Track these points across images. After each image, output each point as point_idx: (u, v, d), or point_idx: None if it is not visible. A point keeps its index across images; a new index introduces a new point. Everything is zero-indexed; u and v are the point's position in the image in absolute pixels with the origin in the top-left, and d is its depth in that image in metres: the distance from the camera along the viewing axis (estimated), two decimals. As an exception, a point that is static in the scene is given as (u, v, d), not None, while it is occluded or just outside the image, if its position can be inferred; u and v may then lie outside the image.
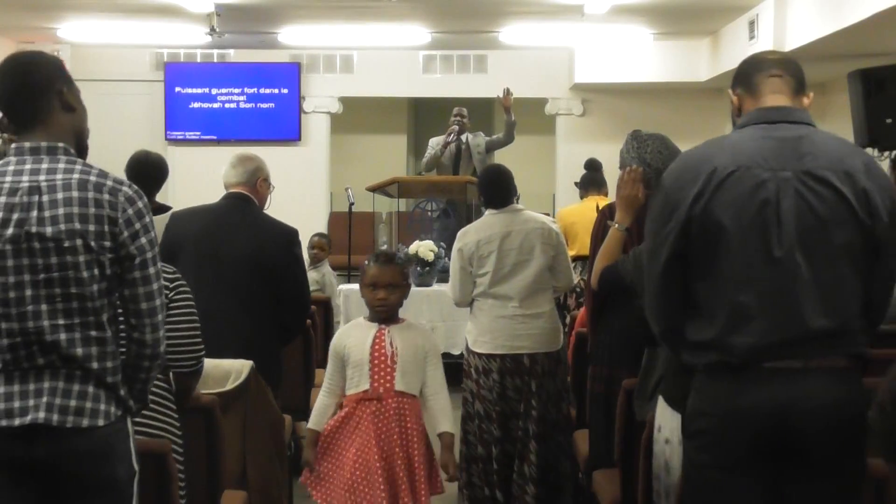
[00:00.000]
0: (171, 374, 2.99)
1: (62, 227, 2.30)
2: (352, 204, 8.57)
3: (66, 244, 2.30)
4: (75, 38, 9.83)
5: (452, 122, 8.53)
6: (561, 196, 10.92)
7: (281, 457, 3.85)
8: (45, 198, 2.31)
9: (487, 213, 4.76)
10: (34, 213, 2.30)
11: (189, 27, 9.26)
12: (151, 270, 2.40)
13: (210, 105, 10.94)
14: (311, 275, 6.71)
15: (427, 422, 3.74)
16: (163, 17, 8.91)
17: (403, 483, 3.57)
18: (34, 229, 2.29)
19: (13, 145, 2.38)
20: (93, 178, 2.35)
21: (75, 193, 2.32)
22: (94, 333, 2.34)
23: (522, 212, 4.71)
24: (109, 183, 2.36)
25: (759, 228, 2.47)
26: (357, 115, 11.88)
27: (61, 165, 2.35)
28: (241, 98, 10.95)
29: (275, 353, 4.15)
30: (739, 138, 2.57)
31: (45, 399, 2.28)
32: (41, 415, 2.27)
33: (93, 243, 2.31)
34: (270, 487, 3.64)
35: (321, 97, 11.12)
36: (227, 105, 10.95)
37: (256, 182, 4.24)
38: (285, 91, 10.94)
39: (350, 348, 3.72)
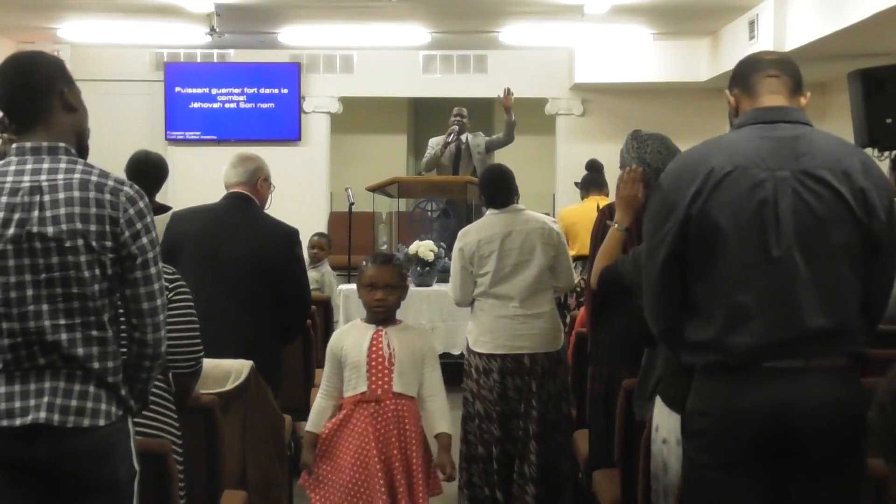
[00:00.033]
0: (169, 374, 2.99)
1: (63, 226, 2.30)
2: (352, 204, 8.57)
3: (68, 244, 2.30)
4: (75, 38, 9.83)
5: (452, 122, 8.53)
6: (561, 196, 10.92)
7: (281, 457, 3.85)
8: (47, 198, 2.31)
9: (489, 212, 4.76)
10: (35, 213, 2.30)
11: (189, 27, 9.26)
12: (153, 270, 2.40)
13: (210, 105, 10.94)
14: (311, 274, 6.70)
15: (425, 423, 3.73)
16: (163, 17, 8.91)
17: (401, 485, 3.56)
18: (35, 229, 2.30)
19: (14, 145, 2.38)
20: (94, 178, 2.35)
21: (77, 193, 2.32)
22: (95, 333, 2.34)
23: (524, 212, 4.71)
24: (111, 183, 2.36)
25: (756, 228, 2.47)
26: (357, 115, 11.88)
27: (62, 165, 2.35)
28: (241, 98, 10.95)
29: (275, 353, 4.15)
30: (736, 138, 2.57)
31: (45, 399, 2.29)
32: (42, 415, 2.27)
33: (94, 243, 2.31)
34: (270, 487, 3.64)
35: (321, 97, 11.13)
36: (227, 105, 10.96)
37: (257, 182, 4.24)
38: (285, 91, 10.95)
39: (347, 350, 3.71)
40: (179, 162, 10.39)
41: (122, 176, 2.52)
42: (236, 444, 3.44)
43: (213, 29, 8.81)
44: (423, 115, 13.13)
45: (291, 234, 4.19)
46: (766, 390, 2.44)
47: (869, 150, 6.00)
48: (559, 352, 4.65)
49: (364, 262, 3.82)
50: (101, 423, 2.32)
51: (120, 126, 10.46)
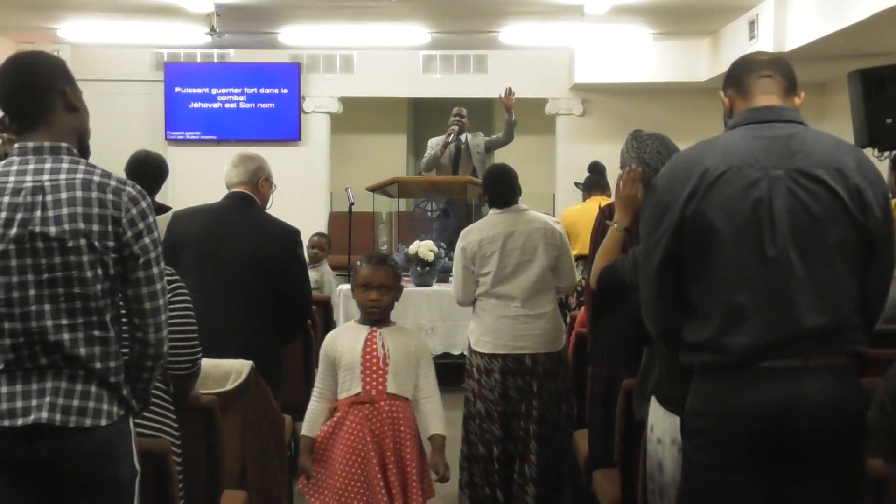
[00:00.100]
0: (168, 375, 2.99)
1: (66, 226, 2.30)
2: (352, 204, 8.56)
3: (70, 244, 2.30)
4: (75, 38, 9.83)
5: (452, 122, 8.54)
6: (561, 196, 10.92)
7: (281, 457, 3.85)
8: (49, 198, 2.31)
9: (491, 212, 4.76)
10: (38, 213, 2.30)
11: (189, 27, 9.26)
12: (155, 270, 2.40)
13: (210, 105, 10.94)
14: (311, 274, 6.66)
15: (419, 425, 3.71)
16: (163, 17, 8.91)
17: (395, 487, 3.55)
18: (38, 229, 2.30)
19: (16, 145, 2.39)
20: (96, 178, 2.35)
21: (79, 193, 2.32)
22: (97, 333, 2.34)
23: (526, 212, 4.71)
24: (113, 183, 2.37)
25: (752, 228, 2.47)
26: (357, 115, 11.87)
27: (65, 165, 2.35)
28: (241, 98, 10.95)
29: (275, 354, 4.15)
30: (731, 139, 2.57)
31: (47, 399, 2.29)
32: (44, 415, 2.28)
33: (96, 243, 2.32)
34: (270, 487, 3.64)
35: (321, 97, 11.12)
36: (227, 105, 10.95)
37: (258, 182, 4.24)
38: (285, 91, 10.94)
39: (341, 351, 3.69)
40: (179, 162, 10.39)
41: (123, 176, 2.52)
42: (236, 444, 3.44)
43: (213, 29, 8.81)
44: (423, 115, 13.13)
45: (292, 234, 4.19)
46: (764, 390, 2.44)
47: (869, 150, 6.01)
48: (561, 352, 4.65)
49: (359, 263, 3.81)
50: (103, 423, 2.33)
51: (120, 126, 10.46)
